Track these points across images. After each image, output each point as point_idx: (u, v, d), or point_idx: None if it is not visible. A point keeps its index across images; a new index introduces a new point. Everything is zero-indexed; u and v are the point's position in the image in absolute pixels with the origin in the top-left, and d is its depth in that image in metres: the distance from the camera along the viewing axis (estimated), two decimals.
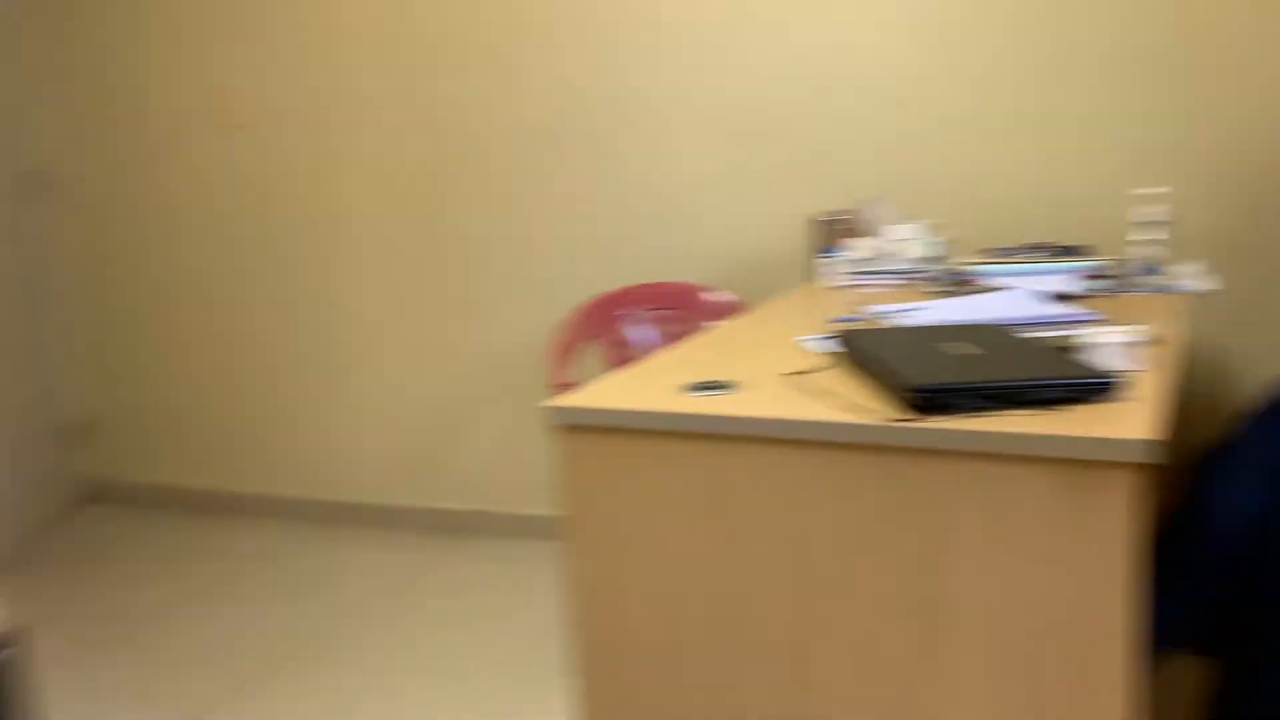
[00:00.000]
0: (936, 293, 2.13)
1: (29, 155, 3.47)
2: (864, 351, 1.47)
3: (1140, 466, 1.16)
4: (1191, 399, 2.40)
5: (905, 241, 2.30)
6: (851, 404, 1.33)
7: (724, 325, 2.00)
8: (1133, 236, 2.08)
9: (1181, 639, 1.38)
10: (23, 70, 3.43)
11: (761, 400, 1.39)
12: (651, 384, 1.50)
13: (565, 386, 2.48)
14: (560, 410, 1.41)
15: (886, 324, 1.85)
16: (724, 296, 2.74)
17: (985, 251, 2.32)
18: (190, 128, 3.31)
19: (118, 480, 3.65)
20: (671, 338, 2.74)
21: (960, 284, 2.14)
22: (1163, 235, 2.05)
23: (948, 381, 1.26)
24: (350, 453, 3.35)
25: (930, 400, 1.25)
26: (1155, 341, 1.58)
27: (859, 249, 2.35)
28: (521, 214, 3.04)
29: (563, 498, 1.44)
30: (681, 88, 2.83)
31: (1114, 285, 2.07)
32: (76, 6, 3.35)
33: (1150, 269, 2.06)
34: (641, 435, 1.37)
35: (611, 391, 1.47)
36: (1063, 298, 1.97)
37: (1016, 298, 1.93)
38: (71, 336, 3.60)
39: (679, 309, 2.79)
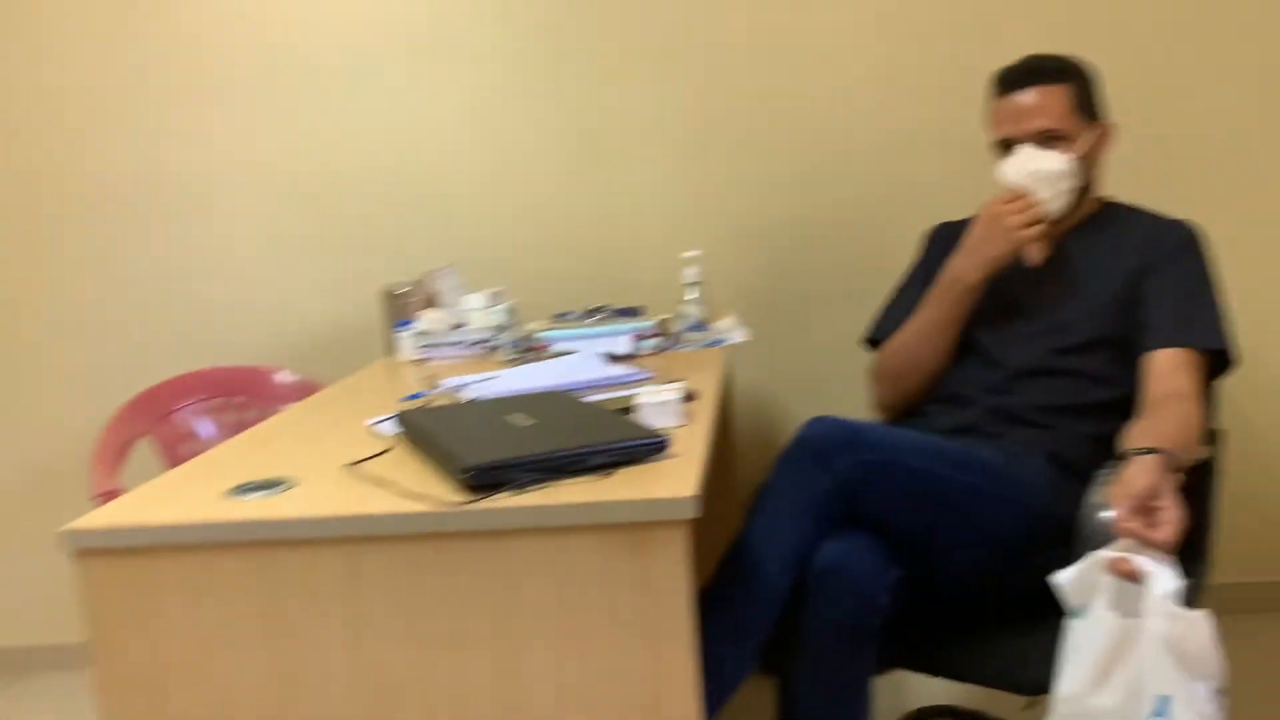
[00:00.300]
0: (507, 361, 2.16)
1: None
2: (421, 432, 1.44)
3: (684, 522, 1.21)
4: (737, 445, 2.60)
5: (475, 311, 2.31)
6: (408, 491, 1.29)
7: (290, 411, 1.89)
8: (684, 296, 2.23)
9: (743, 673, 1.46)
10: None
11: (316, 496, 1.31)
12: (196, 489, 1.37)
13: (112, 495, 2.22)
14: (76, 534, 1.24)
15: (456, 398, 1.84)
16: (297, 377, 2.61)
17: (551, 318, 2.39)
18: None
19: None
20: (240, 428, 2.55)
21: (529, 351, 2.18)
22: (698, 294, 2.21)
23: (500, 458, 1.26)
24: None
25: (484, 479, 1.24)
26: (695, 396, 1.68)
27: (430, 320, 2.33)
28: (62, 301, 2.72)
29: (90, 633, 1.26)
30: (240, 160, 2.68)
31: (664, 343, 2.20)
32: None
33: (694, 326, 2.21)
34: (179, 551, 1.24)
35: (144, 503, 1.32)
36: (620, 358, 2.06)
37: (579, 362, 2.00)
38: None
39: (247, 395, 2.62)
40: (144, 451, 2.40)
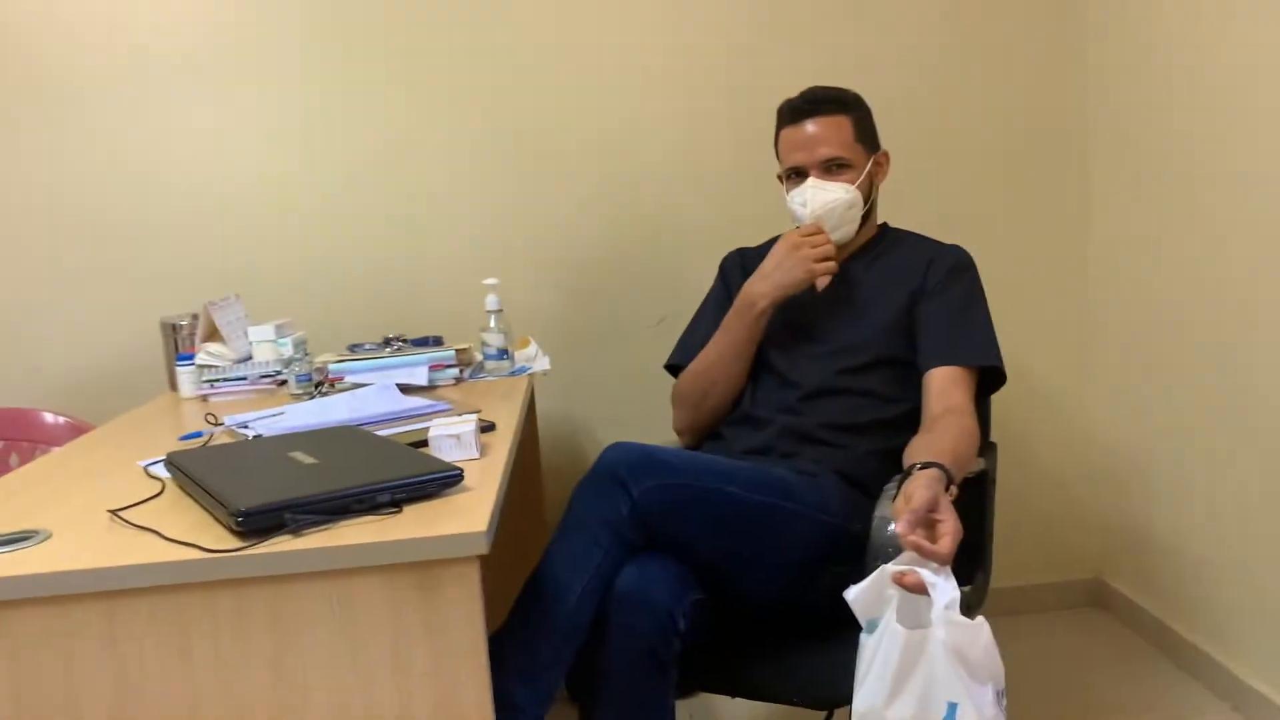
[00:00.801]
0: (296, 396, 2.06)
1: None
2: (193, 475, 1.35)
3: (474, 558, 1.17)
4: (541, 474, 2.57)
5: (261, 343, 2.20)
6: (175, 538, 1.20)
7: (56, 453, 1.75)
8: (483, 325, 2.19)
9: (543, 705, 1.43)
10: None
11: (75, 548, 1.20)
12: None
13: None
14: None
15: (239, 436, 1.74)
16: (66, 419, 2.41)
17: (344, 349, 2.30)
18: None
19: None
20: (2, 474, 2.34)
21: (320, 385, 2.09)
22: (500, 323, 2.18)
23: (275, 499, 1.18)
24: None
25: (258, 523, 1.17)
26: (492, 427, 1.65)
27: (212, 354, 2.20)
28: None
29: None
30: (2, 186, 2.47)
31: (463, 374, 2.16)
32: None
33: (495, 355, 2.18)
34: None
35: None
36: (417, 390, 2.01)
37: (373, 395, 1.93)
38: None
39: (13, 439, 2.41)
40: None
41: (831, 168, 1.85)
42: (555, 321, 2.62)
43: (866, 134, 1.89)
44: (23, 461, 2.33)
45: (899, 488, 1.45)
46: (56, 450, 1.80)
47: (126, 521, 1.29)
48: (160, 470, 1.54)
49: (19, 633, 1.14)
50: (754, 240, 2.09)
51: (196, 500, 1.34)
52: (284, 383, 2.16)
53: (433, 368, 2.10)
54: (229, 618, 1.15)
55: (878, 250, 1.94)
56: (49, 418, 2.42)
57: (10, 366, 2.54)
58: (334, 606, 1.16)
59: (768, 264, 1.86)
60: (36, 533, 1.27)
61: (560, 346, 2.60)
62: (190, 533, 1.22)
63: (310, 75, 2.52)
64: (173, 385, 2.29)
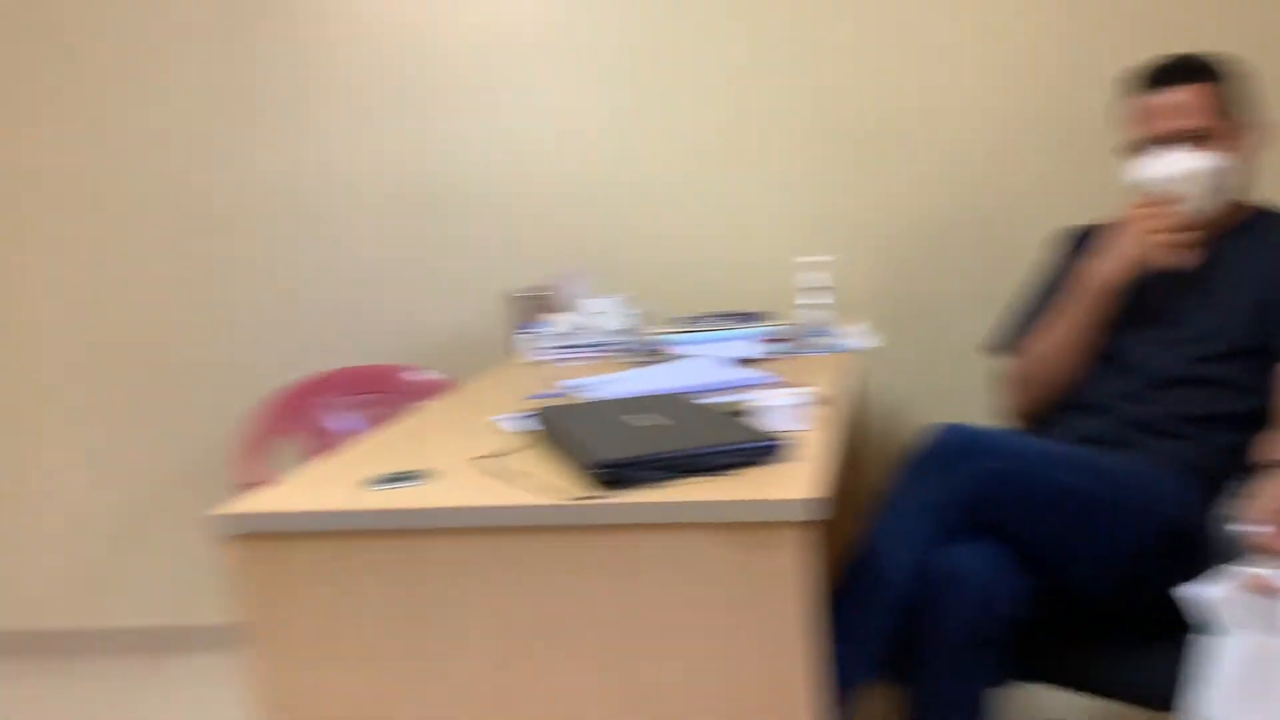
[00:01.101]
0: (630, 363, 2.19)
1: None
2: (557, 428, 1.48)
3: (806, 524, 1.22)
4: (868, 449, 2.58)
5: (600, 314, 2.35)
6: (542, 485, 1.33)
7: (421, 409, 1.96)
8: (800, 301, 2.22)
9: (865, 675, 1.46)
10: None
11: (451, 489, 1.36)
12: (335, 479, 1.44)
13: (253, 486, 2.33)
14: (225, 519, 1.32)
15: (582, 398, 1.88)
16: (428, 376, 2.70)
17: (675, 321, 2.42)
18: None
19: None
20: (374, 423, 2.66)
21: (652, 354, 2.21)
22: (828, 299, 2.20)
23: (629, 455, 1.28)
24: (17, 575, 3.01)
25: (613, 475, 1.27)
26: (821, 401, 1.68)
27: (556, 323, 2.38)
28: (203, 300, 2.87)
29: (239, 613, 1.34)
30: (368, 163, 2.79)
31: (790, 348, 2.20)
32: None
33: (820, 331, 2.21)
34: (322, 538, 1.30)
35: (288, 492, 1.39)
36: (744, 362, 2.07)
37: (702, 365, 2.01)
38: None
39: (382, 392, 2.72)
40: (282, 444, 2.52)
41: (1190, 140, 1.72)
42: (885, 299, 2.61)
43: (1237, 104, 1.75)
44: (390, 413, 2.63)
45: (1248, 485, 1.35)
46: (424, 405, 2.02)
47: (492, 470, 1.43)
48: (510, 426, 1.70)
49: (404, 561, 1.30)
50: (1086, 218, 1.99)
51: (554, 453, 1.48)
52: (617, 352, 2.30)
53: (763, 341, 2.16)
54: (580, 561, 1.26)
55: (1251, 233, 1.79)
56: (412, 375, 2.71)
57: (377, 327, 2.86)
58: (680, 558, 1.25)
59: (1112, 241, 1.77)
60: (417, 473, 1.44)
61: (889, 324, 2.59)
62: (547, 481, 1.34)
63: (650, 56, 2.65)
64: (511, 354, 2.50)
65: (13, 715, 2.64)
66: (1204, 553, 1.42)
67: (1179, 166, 1.71)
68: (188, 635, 2.99)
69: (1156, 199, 1.73)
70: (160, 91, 2.82)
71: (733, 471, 1.32)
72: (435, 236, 2.80)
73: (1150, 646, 1.53)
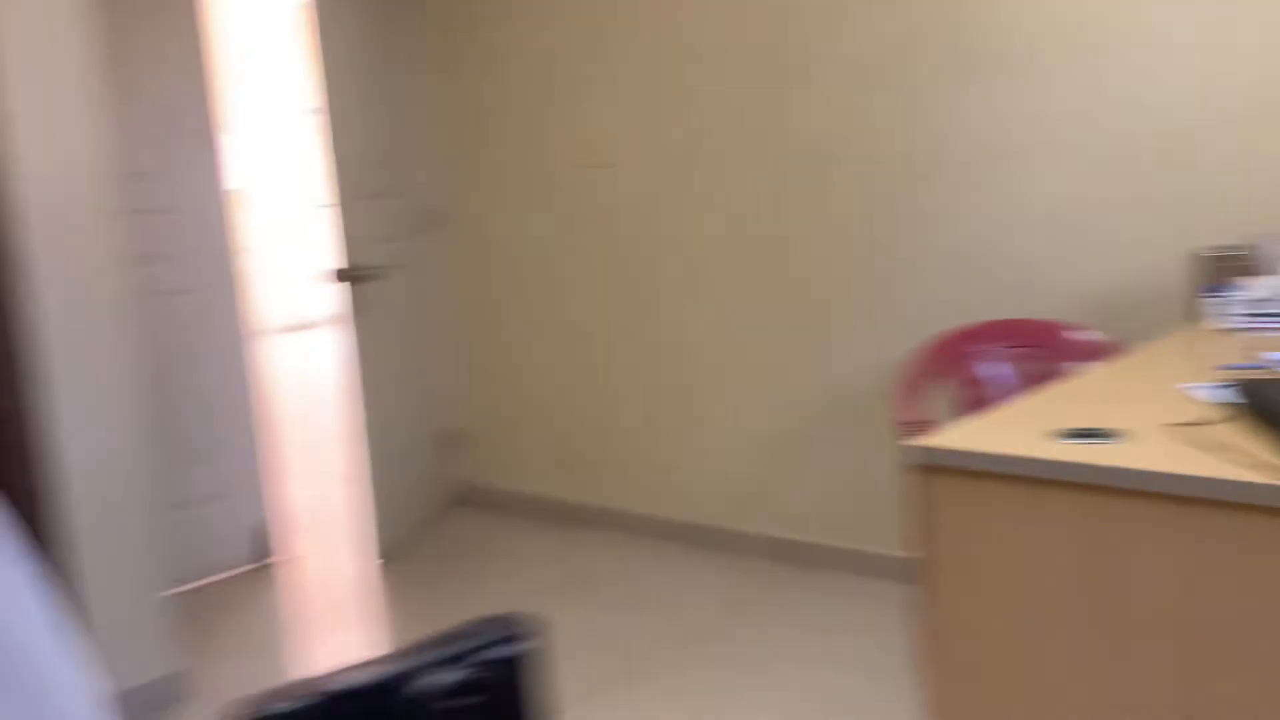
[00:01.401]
0: None
1: (432, 195, 3.91)
2: (1267, 404, 1.34)
3: None
4: None
5: None
6: (1258, 461, 1.21)
7: (1093, 369, 1.89)
8: None
9: None
10: (428, 121, 3.87)
11: (1147, 452, 1.29)
12: (1018, 428, 1.44)
13: (911, 424, 2.42)
14: (922, 450, 1.39)
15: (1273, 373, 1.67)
16: (1092, 336, 2.58)
17: None
18: (561, 169, 3.57)
19: (484, 486, 3.98)
20: (1030, 379, 2.61)
21: None
22: None
23: None
24: (693, 475, 3.47)
25: None
26: None
27: (1256, 288, 2.13)
28: (869, 244, 3.02)
29: (918, 540, 1.41)
30: (1051, 112, 2.70)
31: None
32: (474, 69, 3.73)
33: None
34: (1011, 481, 1.32)
35: (974, 434, 1.42)
36: None
37: None
38: (454, 355, 3.99)
39: (1040, 348, 2.65)
40: (935, 387, 2.57)
41: None
42: None
43: None
44: (1048, 369, 2.56)
45: None
46: (1098, 365, 1.93)
47: (1190, 438, 1.34)
48: (1204, 395, 1.56)
49: (1091, 517, 1.27)
50: None
51: (1260, 428, 1.33)
52: None
53: None
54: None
55: None
56: (1074, 333, 2.61)
57: (1032, 281, 2.78)
58: None
59: None
60: (1109, 432, 1.39)
61: None
62: (1258, 458, 1.22)
63: None
64: (1192, 317, 2.28)
65: (677, 594, 3.07)
66: None
67: None
68: (830, 555, 3.22)
69: None
70: (871, 45, 2.99)
71: None
72: (1120, 189, 2.64)
73: None
